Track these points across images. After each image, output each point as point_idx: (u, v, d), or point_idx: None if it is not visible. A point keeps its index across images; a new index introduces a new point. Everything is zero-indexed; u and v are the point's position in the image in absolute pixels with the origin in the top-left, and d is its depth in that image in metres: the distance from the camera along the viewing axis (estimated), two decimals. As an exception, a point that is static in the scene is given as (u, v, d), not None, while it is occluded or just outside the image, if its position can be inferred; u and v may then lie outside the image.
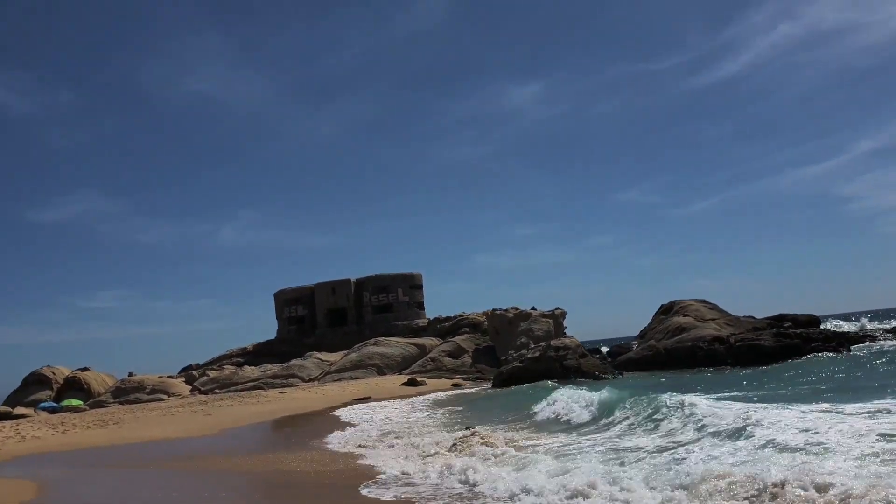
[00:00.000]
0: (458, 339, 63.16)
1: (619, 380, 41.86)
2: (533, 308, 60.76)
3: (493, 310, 61.26)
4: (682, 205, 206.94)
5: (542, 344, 48.19)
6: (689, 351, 47.34)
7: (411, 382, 51.48)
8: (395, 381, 55.01)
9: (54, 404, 58.07)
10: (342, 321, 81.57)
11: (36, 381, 68.90)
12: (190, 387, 65.80)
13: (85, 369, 69.96)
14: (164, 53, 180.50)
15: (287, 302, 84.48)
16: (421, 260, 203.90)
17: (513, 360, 52.35)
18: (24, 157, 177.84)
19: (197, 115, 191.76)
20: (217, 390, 62.37)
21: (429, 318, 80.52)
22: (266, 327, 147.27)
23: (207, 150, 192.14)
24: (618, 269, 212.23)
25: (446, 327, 72.48)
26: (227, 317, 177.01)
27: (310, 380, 63.22)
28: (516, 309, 60.32)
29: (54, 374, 69.42)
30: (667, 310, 58.28)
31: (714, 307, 57.95)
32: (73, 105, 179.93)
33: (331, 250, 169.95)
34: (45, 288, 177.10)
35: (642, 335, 59.50)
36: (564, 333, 58.79)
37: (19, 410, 54.28)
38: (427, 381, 53.42)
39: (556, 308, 60.42)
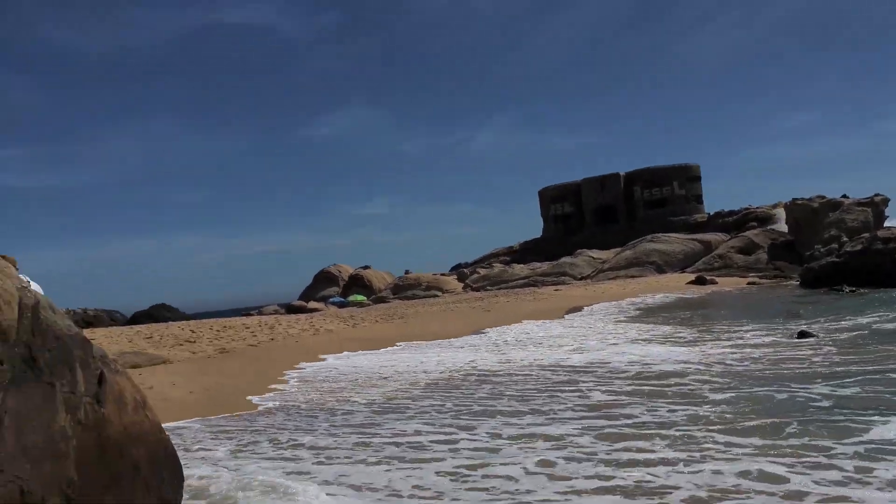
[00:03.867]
0: (749, 233, 56.00)
1: None
2: (844, 196, 51.63)
3: (794, 199, 53.06)
4: None
5: (866, 235, 40.19)
6: None
7: (699, 280, 46.39)
8: (678, 279, 50.23)
9: (342, 299, 61.56)
10: (611, 218, 77.39)
11: (325, 279, 74.30)
12: (462, 284, 66.43)
13: (366, 267, 73.77)
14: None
15: (552, 199, 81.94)
16: (685, 154, 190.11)
17: (821, 255, 44.78)
18: (294, 78, 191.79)
19: (452, 23, 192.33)
20: (488, 287, 62.09)
21: (708, 213, 73.70)
22: (529, 229, 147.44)
23: (462, 58, 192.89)
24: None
25: (730, 222, 65.57)
26: (489, 220, 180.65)
27: (581, 278, 60.47)
28: (822, 197, 51.66)
29: (340, 271, 74.25)
30: None
31: None
32: (338, 25, 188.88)
33: (590, 149, 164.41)
34: (322, 198, 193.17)
35: None
36: (885, 226, 49.31)
37: (312, 305, 58.09)
38: (716, 279, 47.92)
39: (876, 194, 50.63)
